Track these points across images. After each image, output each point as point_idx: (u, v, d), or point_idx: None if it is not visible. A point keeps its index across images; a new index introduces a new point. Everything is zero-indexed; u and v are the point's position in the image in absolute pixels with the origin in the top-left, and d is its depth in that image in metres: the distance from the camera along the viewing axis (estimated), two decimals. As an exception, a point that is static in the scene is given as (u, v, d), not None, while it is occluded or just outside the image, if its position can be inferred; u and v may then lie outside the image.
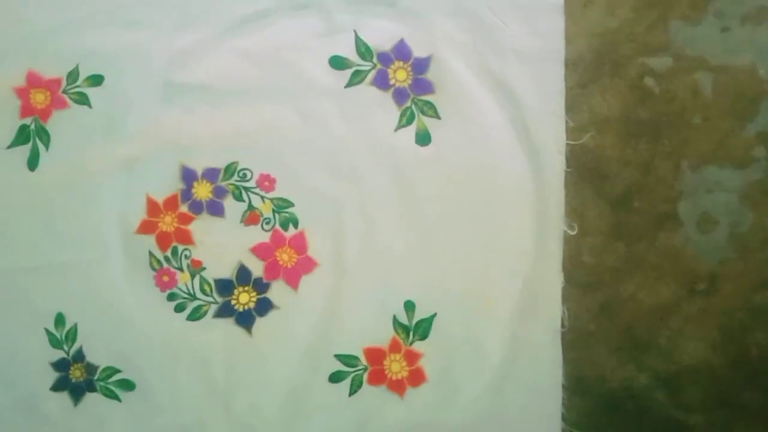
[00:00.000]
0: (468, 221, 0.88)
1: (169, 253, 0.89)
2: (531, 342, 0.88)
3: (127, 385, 0.90)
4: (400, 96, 0.89)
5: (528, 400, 0.88)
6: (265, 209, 0.89)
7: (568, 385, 0.87)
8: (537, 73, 0.87)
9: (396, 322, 0.88)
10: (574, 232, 0.88)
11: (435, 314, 0.89)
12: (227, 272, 0.89)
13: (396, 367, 0.89)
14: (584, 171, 0.88)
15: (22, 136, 0.89)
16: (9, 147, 0.89)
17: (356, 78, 0.89)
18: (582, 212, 0.88)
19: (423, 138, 0.88)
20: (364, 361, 0.89)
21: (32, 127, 0.89)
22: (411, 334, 0.89)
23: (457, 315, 0.89)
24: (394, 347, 0.89)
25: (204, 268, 0.89)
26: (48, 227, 0.90)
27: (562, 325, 0.88)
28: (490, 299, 0.88)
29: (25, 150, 0.90)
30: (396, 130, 0.89)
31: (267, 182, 0.89)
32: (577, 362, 0.88)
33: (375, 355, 0.89)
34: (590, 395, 0.88)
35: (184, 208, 0.89)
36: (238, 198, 0.89)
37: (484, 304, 0.88)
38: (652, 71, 0.88)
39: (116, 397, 0.90)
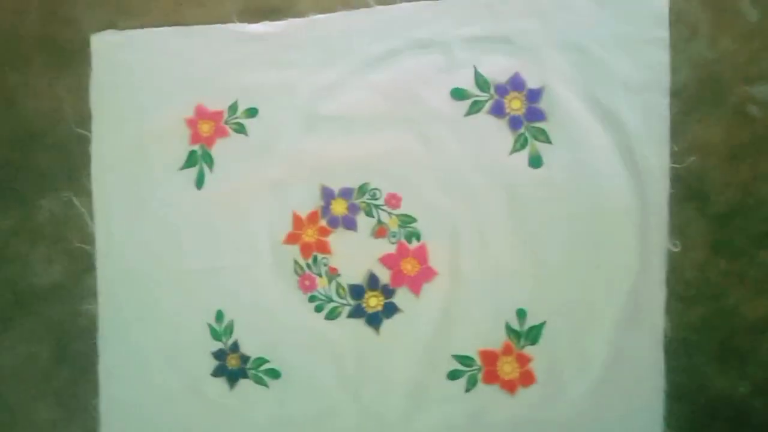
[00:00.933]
0: (576, 238, 0.95)
1: (310, 261, 1.02)
2: (634, 349, 0.93)
3: (274, 374, 1.03)
4: (514, 123, 0.98)
5: (630, 403, 0.94)
6: (392, 224, 1.01)
7: (669, 391, 0.92)
8: (643, 102, 0.94)
9: (508, 328, 0.97)
10: (677, 249, 0.93)
11: (545, 322, 0.97)
12: (359, 279, 1.01)
13: (508, 368, 0.98)
14: (687, 192, 0.92)
15: (192, 160, 1.05)
16: (181, 169, 1.05)
17: (475, 107, 0.99)
18: (685, 230, 0.92)
19: (535, 161, 0.96)
20: (478, 361, 0.98)
21: (199, 152, 1.05)
22: (522, 339, 0.97)
23: (565, 323, 0.96)
24: (507, 350, 0.98)
25: (339, 275, 1.01)
26: (211, 236, 1.04)
27: (665, 335, 0.92)
28: (596, 310, 0.95)
29: (193, 172, 1.05)
30: (510, 153, 0.98)
31: (394, 200, 1.00)
32: (679, 370, 0.92)
33: (489, 357, 0.98)
34: (691, 402, 0.92)
35: (323, 223, 1.02)
36: (369, 214, 1.01)
37: (590, 314, 0.95)
38: (753, 98, 0.92)
39: (264, 384, 1.04)
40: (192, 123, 1.04)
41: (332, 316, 1.01)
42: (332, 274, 1.01)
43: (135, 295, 1.04)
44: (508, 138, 0.96)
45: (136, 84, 1.04)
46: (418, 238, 0.98)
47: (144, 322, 1.04)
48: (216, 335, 1.03)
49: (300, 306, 1.01)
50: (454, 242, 0.98)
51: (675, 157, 0.92)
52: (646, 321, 0.93)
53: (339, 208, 1.01)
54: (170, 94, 1.04)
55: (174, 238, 1.04)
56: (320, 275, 1.01)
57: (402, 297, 0.99)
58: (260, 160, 1.02)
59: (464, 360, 0.98)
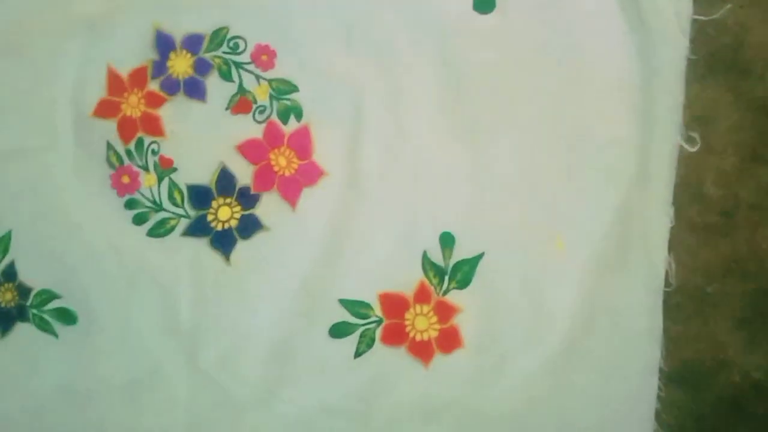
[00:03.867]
0: (538, 125, 0.64)
1: (132, 146, 0.68)
2: (617, 305, 0.64)
3: (66, 317, 0.69)
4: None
5: (606, 389, 0.64)
6: (260, 94, 0.66)
7: (669, 372, 0.64)
8: None
9: (426, 261, 0.64)
10: (695, 149, 0.63)
11: (482, 254, 0.64)
12: (204, 177, 0.67)
13: (422, 323, 0.65)
14: (717, 61, 0.64)
15: None
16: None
17: None
18: (709, 120, 0.64)
19: (484, 2, 0.64)
20: (378, 311, 0.65)
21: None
22: (446, 279, 0.65)
23: (513, 257, 0.64)
24: (422, 296, 0.65)
25: (175, 170, 0.67)
26: None
27: (666, 285, 0.64)
28: (561, 238, 0.64)
29: None
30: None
31: (265, 56, 0.67)
32: (685, 340, 0.64)
33: (394, 304, 0.65)
34: (701, 389, 0.64)
35: (154, 86, 0.68)
36: (226, 76, 0.67)
37: (552, 244, 0.64)
38: None
39: (52, 331, 0.69)
40: None
41: (160, 232, 0.68)
42: (164, 168, 0.68)
43: None
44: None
45: None
46: (299, 117, 0.66)
47: None
48: None
49: (112, 215, 0.68)
50: (354, 126, 0.66)
51: (700, 4, 0.63)
52: (638, 260, 0.64)
53: (180, 64, 0.68)
54: None
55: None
56: (146, 169, 0.68)
57: (268, 208, 0.67)
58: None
59: (356, 307, 0.65)
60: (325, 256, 0.66)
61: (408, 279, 0.65)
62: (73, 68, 0.69)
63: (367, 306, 0.65)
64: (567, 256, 0.63)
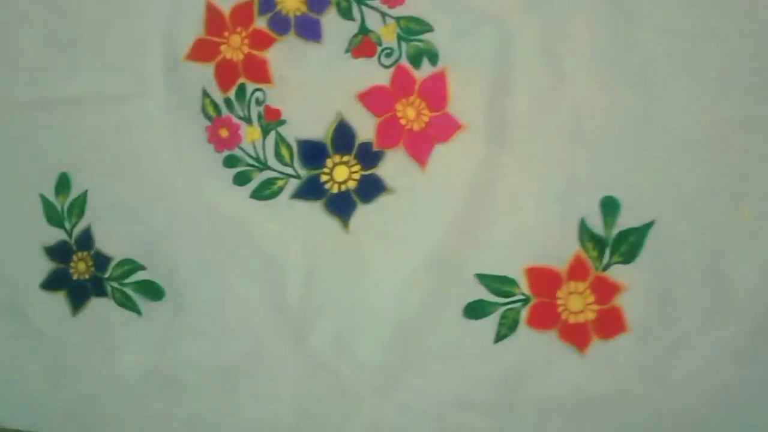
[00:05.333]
0: (722, 69, 0.53)
1: (232, 94, 0.57)
2: None
3: (152, 291, 0.59)
4: None
5: None
6: (386, 34, 0.56)
7: None
8: None
9: (584, 230, 0.54)
10: None
11: (651, 222, 0.53)
12: (318, 131, 0.57)
13: (577, 303, 0.54)
14: None
15: None
16: None
17: None
18: None
19: None
20: (524, 287, 0.55)
21: None
22: (607, 251, 0.54)
23: (689, 227, 0.53)
24: (577, 271, 0.54)
25: (283, 122, 0.57)
26: (57, 42, 0.60)
27: None
28: (747, 208, 0.53)
29: None
30: None
31: None
32: None
33: (544, 281, 0.55)
34: None
35: (260, 24, 0.57)
36: (345, 14, 0.57)
37: (737, 213, 0.53)
38: None
39: (134, 308, 0.59)
40: None
41: (266, 193, 0.58)
42: (271, 120, 0.57)
43: None
44: None
45: None
46: (434, 61, 0.55)
47: None
48: (54, 216, 0.60)
49: (208, 173, 0.59)
50: (499, 70, 0.55)
51: None
52: None
53: (291, 0, 0.54)
54: None
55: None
56: (249, 121, 0.57)
57: (394, 167, 0.57)
58: None
59: (497, 284, 0.55)
60: (461, 223, 0.56)
61: (561, 251, 0.55)
62: (164, 2, 0.58)
63: (511, 282, 0.55)
64: (755, 228, 0.53)
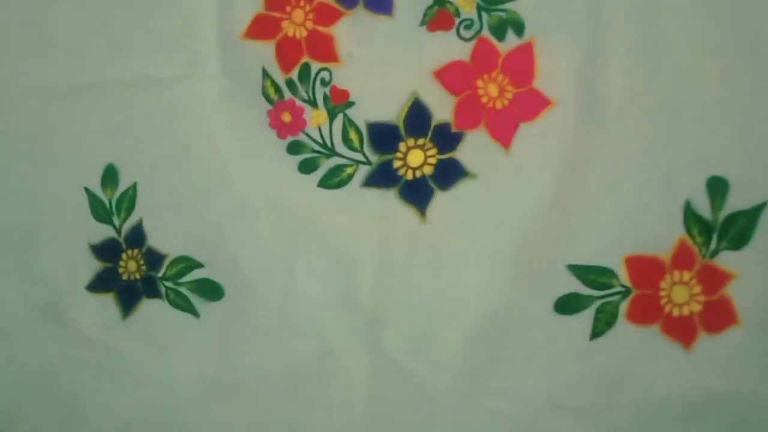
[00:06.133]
0: None
1: (295, 75, 0.53)
2: None
3: (210, 290, 0.54)
4: None
5: None
6: (465, 4, 0.51)
7: None
8: None
9: (689, 214, 0.49)
10: None
11: (764, 204, 0.49)
12: (391, 112, 0.52)
13: (681, 294, 0.49)
14: None
15: None
16: None
17: None
18: None
19: None
20: (623, 278, 0.50)
21: None
22: (715, 237, 0.49)
23: None
24: (682, 259, 0.49)
25: (351, 104, 0.52)
26: (102, 21, 0.55)
27: None
28: None
29: None
30: None
31: None
32: None
33: (646, 270, 0.50)
34: None
35: None
36: (419, -17, 0.51)
37: None
38: None
39: (191, 309, 0.54)
40: None
41: (334, 182, 0.53)
42: (338, 102, 0.52)
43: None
44: None
45: None
46: (520, 32, 0.49)
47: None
48: (100, 211, 0.55)
49: (271, 161, 0.54)
50: (592, 40, 0.50)
51: None
52: None
53: None
54: None
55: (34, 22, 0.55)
56: (313, 103, 0.51)
57: (474, 149, 0.52)
58: None
59: (591, 274, 0.50)
60: (550, 209, 0.51)
61: (663, 237, 0.50)
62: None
63: (609, 273, 0.50)
64: None
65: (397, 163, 0.53)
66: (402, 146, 0.53)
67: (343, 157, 0.53)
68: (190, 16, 0.54)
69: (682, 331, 0.50)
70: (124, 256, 0.55)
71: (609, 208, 0.50)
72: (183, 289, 0.55)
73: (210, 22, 0.54)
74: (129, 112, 0.55)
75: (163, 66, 0.54)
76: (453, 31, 0.52)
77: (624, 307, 0.51)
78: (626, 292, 0.50)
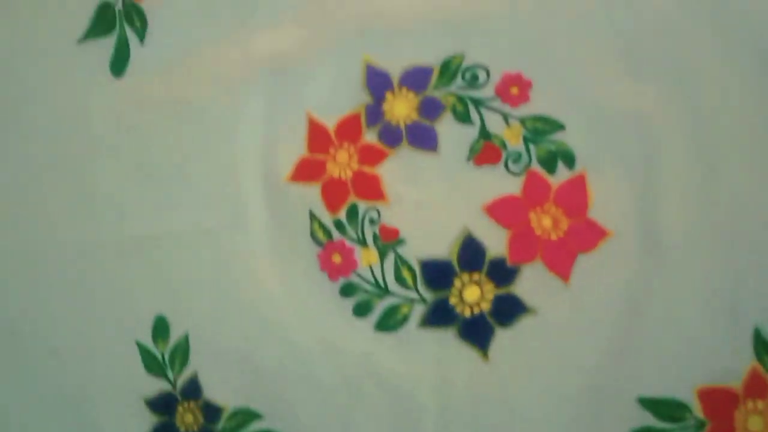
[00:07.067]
0: None
1: (343, 216, 0.52)
2: None
3: None
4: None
5: None
6: (512, 137, 0.50)
7: None
8: None
9: (759, 342, 0.48)
10: None
11: None
12: (442, 248, 0.51)
13: (756, 424, 0.47)
14: None
15: (102, 23, 0.54)
16: (81, 40, 0.53)
17: None
18: None
19: None
20: (697, 411, 0.48)
21: (119, 6, 0.53)
22: (789, 363, 0.47)
23: None
24: (755, 387, 0.48)
25: (401, 242, 0.51)
26: (143, 173, 0.55)
27: None
28: None
29: (106, 45, 0.55)
30: None
31: (515, 88, 0.51)
32: None
33: (719, 401, 0.49)
34: None
35: (370, 137, 0.52)
36: (463, 118, 0.52)
37: None
38: None
39: (253, 463, 0.52)
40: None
41: (390, 324, 0.52)
42: (387, 240, 0.50)
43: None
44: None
45: None
46: (571, 164, 0.49)
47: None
48: (153, 364, 0.54)
49: (324, 305, 0.53)
50: (645, 169, 0.49)
51: None
52: None
53: (401, 107, 0.52)
54: None
55: (75, 177, 0.54)
56: (363, 243, 0.50)
57: (532, 283, 0.51)
58: (236, 16, 0.53)
59: (664, 408, 0.49)
60: (616, 341, 0.50)
61: (734, 365, 0.49)
62: (258, 122, 0.54)
63: (682, 406, 0.49)
64: None
65: (453, 300, 0.52)
66: (457, 282, 0.51)
67: (397, 296, 0.52)
68: (232, 165, 0.53)
69: (762, 462, 0.49)
70: (180, 408, 0.54)
71: (675, 339, 0.49)
72: (243, 441, 0.53)
73: (254, 168, 0.53)
74: (176, 264, 0.54)
75: (208, 217, 0.53)
76: (501, 164, 0.51)
77: (700, 440, 0.49)
78: (700, 425, 0.49)
